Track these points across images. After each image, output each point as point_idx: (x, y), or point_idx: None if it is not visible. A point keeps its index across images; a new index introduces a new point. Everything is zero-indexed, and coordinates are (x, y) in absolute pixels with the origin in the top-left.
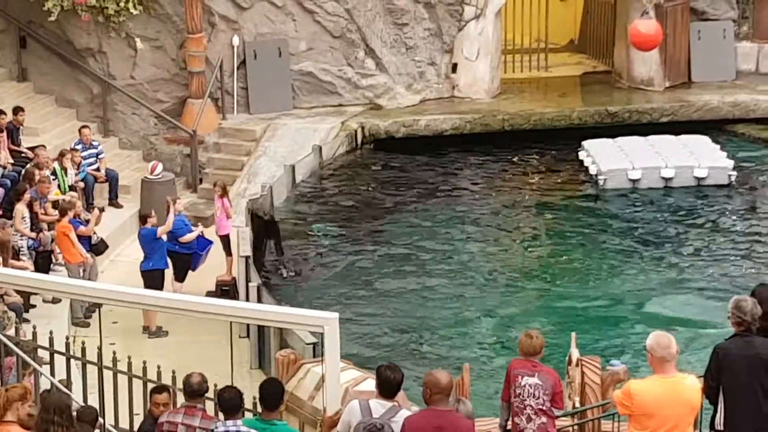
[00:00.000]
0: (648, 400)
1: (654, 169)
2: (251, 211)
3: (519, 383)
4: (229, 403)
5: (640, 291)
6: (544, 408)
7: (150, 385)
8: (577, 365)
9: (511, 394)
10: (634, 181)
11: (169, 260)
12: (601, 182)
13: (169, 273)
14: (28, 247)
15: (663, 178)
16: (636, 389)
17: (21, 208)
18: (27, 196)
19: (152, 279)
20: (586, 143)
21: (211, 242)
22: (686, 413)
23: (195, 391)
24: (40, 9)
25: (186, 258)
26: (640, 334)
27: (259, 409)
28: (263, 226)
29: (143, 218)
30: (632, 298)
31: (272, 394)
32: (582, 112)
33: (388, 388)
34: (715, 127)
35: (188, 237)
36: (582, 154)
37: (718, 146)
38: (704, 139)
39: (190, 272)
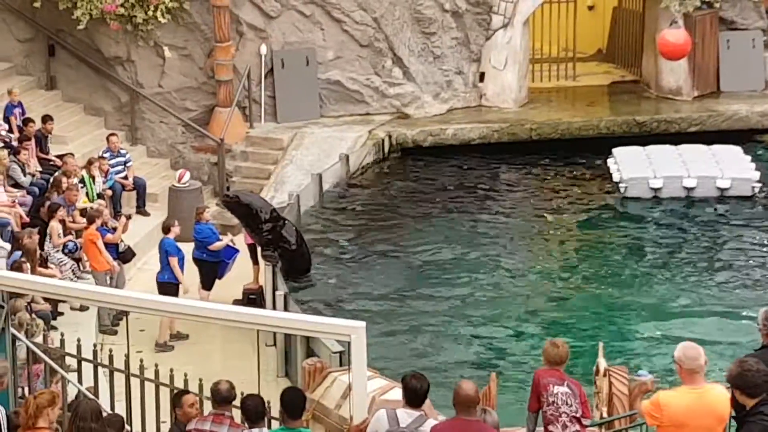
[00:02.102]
0: (677, 411)
1: (676, 179)
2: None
3: (551, 391)
4: (253, 410)
5: (665, 301)
6: (577, 415)
7: None
8: (604, 375)
9: (542, 404)
10: (655, 190)
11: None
12: (622, 190)
13: (196, 281)
14: (69, 251)
15: (685, 187)
16: (665, 400)
17: (55, 225)
18: (60, 212)
19: (167, 291)
20: (615, 151)
21: (237, 251)
22: (715, 424)
23: (224, 398)
24: (69, 17)
25: (213, 266)
26: (664, 344)
27: None
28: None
29: (166, 228)
30: (657, 308)
31: (293, 403)
32: (610, 121)
33: (414, 397)
34: (743, 137)
35: (218, 245)
36: (610, 162)
37: (749, 157)
38: (735, 149)
39: (216, 281)
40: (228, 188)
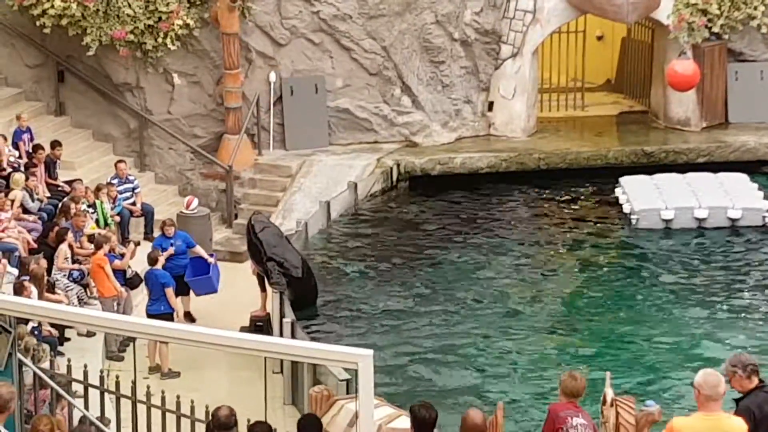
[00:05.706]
0: None
1: (687, 210)
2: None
3: (571, 423)
4: None
5: (674, 332)
6: None
7: (184, 420)
8: (611, 405)
9: None
10: (667, 221)
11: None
12: (634, 221)
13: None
14: (74, 279)
15: (696, 218)
16: (679, 425)
17: (64, 249)
18: (69, 236)
19: None
20: (622, 180)
21: (207, 271)
22: None
23: (223, 423)
24: (78, 44)
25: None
26: (672, 374)
27: None
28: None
29: (153, 260)
30: (668, 338)
31: (310, 430)
32: (618, 151)
33: (423, 427)
34: (751, 168)
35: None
36: (618, 191)
37: (756, 185)
38: (742, 177)
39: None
40: (258, 212)
